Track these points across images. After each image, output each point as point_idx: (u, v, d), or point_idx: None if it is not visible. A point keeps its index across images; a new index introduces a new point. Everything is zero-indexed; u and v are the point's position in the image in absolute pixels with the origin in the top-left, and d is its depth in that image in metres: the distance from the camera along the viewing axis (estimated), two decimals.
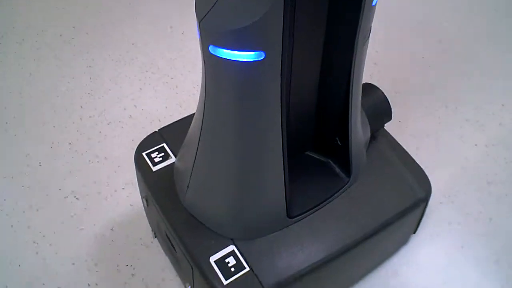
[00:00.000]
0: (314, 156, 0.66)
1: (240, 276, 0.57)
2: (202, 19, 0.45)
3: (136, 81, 0.98)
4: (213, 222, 0.60)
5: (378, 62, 1.03)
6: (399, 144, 0.73)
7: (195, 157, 0.57)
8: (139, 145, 0.67)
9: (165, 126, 0.69)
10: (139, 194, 0.71)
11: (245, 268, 0.57)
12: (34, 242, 0.74)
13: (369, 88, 0.70)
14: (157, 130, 0.68)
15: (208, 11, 0.44)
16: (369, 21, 0.52)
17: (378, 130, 0.72)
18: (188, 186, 0.60)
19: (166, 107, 0.93)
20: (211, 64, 0.48)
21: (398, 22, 1.12)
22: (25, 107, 0.94)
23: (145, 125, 0.90)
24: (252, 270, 0.57)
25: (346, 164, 0.64)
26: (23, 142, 0.88)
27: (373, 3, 0.50)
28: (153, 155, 0.66)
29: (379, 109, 0.70)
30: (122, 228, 0.76)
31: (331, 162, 0.66)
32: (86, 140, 0.88)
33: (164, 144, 0.67)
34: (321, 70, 0.57)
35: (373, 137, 0.72)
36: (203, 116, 0.53)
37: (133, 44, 1.06)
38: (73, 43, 1.06)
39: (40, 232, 0.75)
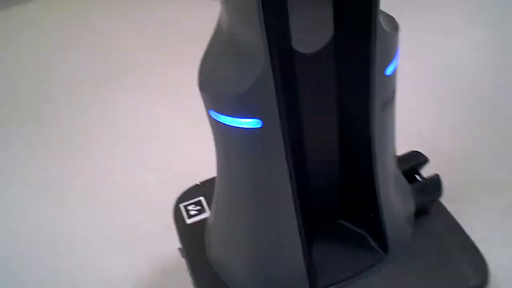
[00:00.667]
0: (348, 225, 0.63)
1: None
2: (202, 85, 0.46)
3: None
4: (233, 282, 0.60)
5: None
6: (455, 220, 0.67)
7: (215, 216, 0.58)
8: (179, 196, 0.70)
9: (207, 180, 0.71)
10: None
11: None
12: None
13: (415, 157, 0.66)
14: (198, 183, 0.71)
15: (207, 78, 0.46)
16: (385, 89, 0.49)
17: (428, 204, 0.66)
18: (211, 243, 0.61)
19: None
20: (215, 128, 0.49)
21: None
22: None
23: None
24: None
25: (381, 238, 0.60)
26: None
27: (387, 73, 0.48)
28: (190, 207, 0.68)
29: (427, 182, 0.65)
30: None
31: (366, 234, 0.62)
32: None
33: (202, 198, 0.68)
34: (339, 139, 0.55)
35: (425, 212, 0.67)
36: (218, 176, 0.54)
37: None
38: None
39: None
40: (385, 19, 0.47)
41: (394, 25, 0.48)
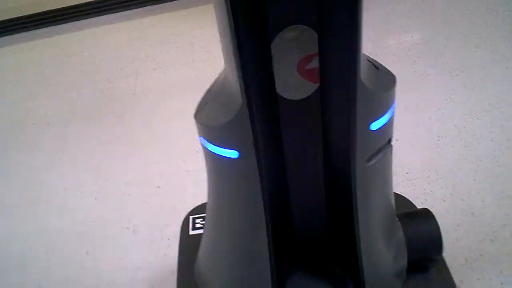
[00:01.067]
0: (333, 268, 0.64)
1: None
2: (196, 114, 0.50)
3: None
4: None
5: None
6: (452, 281, 0.65)
7: (204, 232, 0.62)
8: (193, 208, 0.74)
9: None
10: None
11: None
12: None
13: (421, 215, 0.65)
14: None
15: (200, 109, 0.50)
16: (370, 144, 0.50)
17: (426, 259, 0.65)
18: (199, 256, 0.65)
19: None
20: (204, 153, 0.53)
21: None
22: None
23: None
24: None
25: (359, 286, 0.60)
26: None
27: (373, 128, 0.49)
28: (198, 220, 0.72)
29: (426, 239, 0.64)
30: None
31: (350, 280, 0.63)
32: None
33: None
34: (325, 184, 0.56)
35: (424, 268, 0.66)
36: (208, 196, 0.58)
37: None
38: None
39: None
40: (377, 76, 0.48)
41: (389, 82, 0.49)
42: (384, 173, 0.56)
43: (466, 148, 0.99)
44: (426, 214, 0.65)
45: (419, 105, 1.12)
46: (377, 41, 1.43)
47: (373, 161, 0.52)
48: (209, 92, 0.51)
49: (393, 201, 0.61)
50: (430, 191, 0.90)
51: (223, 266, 0.60)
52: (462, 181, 0.91)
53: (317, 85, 0.48)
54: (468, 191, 0.89)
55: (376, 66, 0.50)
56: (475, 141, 1.01)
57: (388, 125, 0.51)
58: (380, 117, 0.49)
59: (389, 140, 0.53)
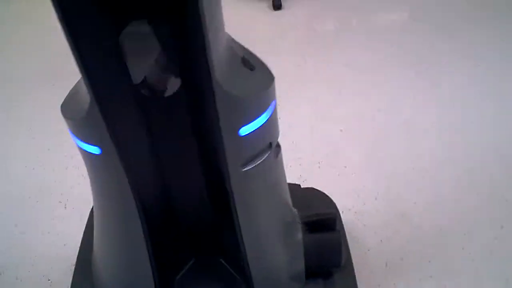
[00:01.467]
0: (227, 266, 0.62)
1: None
2: (62, 104, 0.48)
3: None
4: None
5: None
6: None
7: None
8: None
9: None
10: None
11: None
12: None
13: (327, 221, 0.63)
14: None
15: (66, 99, 0.48)
16: (241, 149, 0.48)
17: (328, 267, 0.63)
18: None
19: None
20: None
21: None
22: None
23: None
24: None
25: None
26: None
27: (242, 133, 0.46)
28: None
29: (326, 248, 0.62)
30: None
31: (240, 279, 0.61)
32: None
33: None
34: (206, 183, 0.54)
35: (329, 273, 0.64)
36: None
37: None
38: None
39: None
40: (248, 78, 0.45)
41: (264, 84, 0.46)
42: (269, 177, 0.53)
43: (410, 144, 0.95)
44: (331, 222, 0.63)
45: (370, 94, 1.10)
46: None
47: (250, 166, 0.49)
48: (78, 82, 0.48)
49: (287, 203, 0.59)
50: (363, 186, 0.87)
51: (109, 264, 0.59)
52: (398, 180, 0.89)
53: (178, 84, 0.45)
54: (402, 191, 0.86)
55: (251, 67, 0.47)
56: (422, 138, 0.97)
57: (265, 129, 0.48)
58: (250, 122, 0.46)
59: (270, 144, 0.50)
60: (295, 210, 0.63)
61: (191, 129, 0.49)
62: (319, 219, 0.64)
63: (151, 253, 0.54)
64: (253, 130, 0.47)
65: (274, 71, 0.48)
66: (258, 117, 0.47)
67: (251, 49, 0.49)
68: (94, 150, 0.47)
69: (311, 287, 0.63)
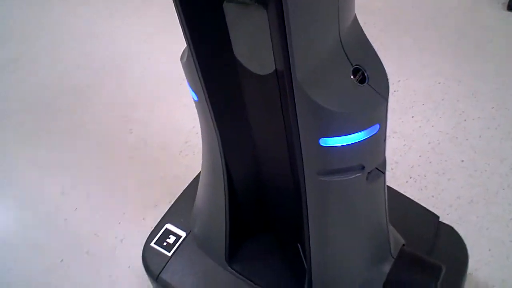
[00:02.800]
0: (295, 257, 0.60)
1: None
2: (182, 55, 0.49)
3: None
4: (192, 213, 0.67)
5: None
6: None
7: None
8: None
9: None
10: None
11: None
12: None
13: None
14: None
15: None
16: (320, 159, 0.43)
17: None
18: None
19: None
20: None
21: None
22: None
23: None
24: None
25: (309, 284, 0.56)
26: None
27: (322, 144, 0.41)
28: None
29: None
30: None
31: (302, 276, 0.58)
32: None
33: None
34: (291, 169, 0.51)
35: None
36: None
37: None
38: None
39: None
40: (350, 90, 0.39)
41: (368, 104, 0.39)
42: (356, 197, 0.47)
43: None
44: (435, 271, 0.53)
45: None
46: None
47: (328, 178, 0.44)
48: None
49: (379, 230, 0.52)
50: None
51: (201, 207, 0.62)
52: None
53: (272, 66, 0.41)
54: None
55: (361, 79, 0.40)
56: None
57: (353, 148, 0.42)
58: (333, 136, 0.41)
59: (362, 166, 0.44)
60: (395, 242, 0.55)
61: (280, 110, 0.45)
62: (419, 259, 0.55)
63: (227, 207, 0.55)
64: (334, 145, 0.41)
65: None
66: (346, 134, 0.41)
67: None
68: (194, 96, 0.48)
69: None
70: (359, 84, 0.39)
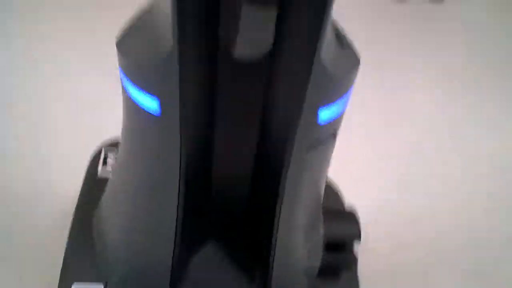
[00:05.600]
0: (243, 250, 0.58)
1: None
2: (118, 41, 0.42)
3: None
4: (102, 250, 0.56)
5: None
6: None
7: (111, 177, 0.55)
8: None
9: None
10: None
11: None
12: None
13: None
14: None
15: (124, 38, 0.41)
16: (313, 131, 0.44)
17: (340, 265, 0.60)
18: (101, 202, 0.57)
19: None
20: (122, 88, 0.45)
21: None
22: None
23: None
24: None
25: (266, 280, 0.55)
26: None
27: (319, 120, 0.42)
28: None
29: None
30: None
31: (258, 266, 0.57)
32: None
33: None
34: (254, 161, 0.50)
35: (336, 274, 0.61)
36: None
37: None
38: None
39: None
40: (338, 55, 0.41)
41: (350, 65, 0.42)
42: (320, 167, 0.49)
43: None
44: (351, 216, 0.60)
45: None
46: None
47: (313, 152, 0.45)
48: (140, 18, 0.42)
49: (322, 194, 0.56)
50: None
51: (123, 223, 0.53)
52: None
53: (269, 46, 0.40)
54: None
55: (342, 43, 0.42)
56: None
57: (340, 116, 0.44)
58: (331, 103, 0.42)
59: (335, 133, 0.47)
60: None
61: (262, 102, 0.44)
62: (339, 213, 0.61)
63: (180, 217, 0.48)
64: (331, 114, 0.43)
65: None
66: (340, 99, 0.43)
67: None
68: (151, 109, 0.41)
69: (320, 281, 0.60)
70: (341, 48, 0.42)
